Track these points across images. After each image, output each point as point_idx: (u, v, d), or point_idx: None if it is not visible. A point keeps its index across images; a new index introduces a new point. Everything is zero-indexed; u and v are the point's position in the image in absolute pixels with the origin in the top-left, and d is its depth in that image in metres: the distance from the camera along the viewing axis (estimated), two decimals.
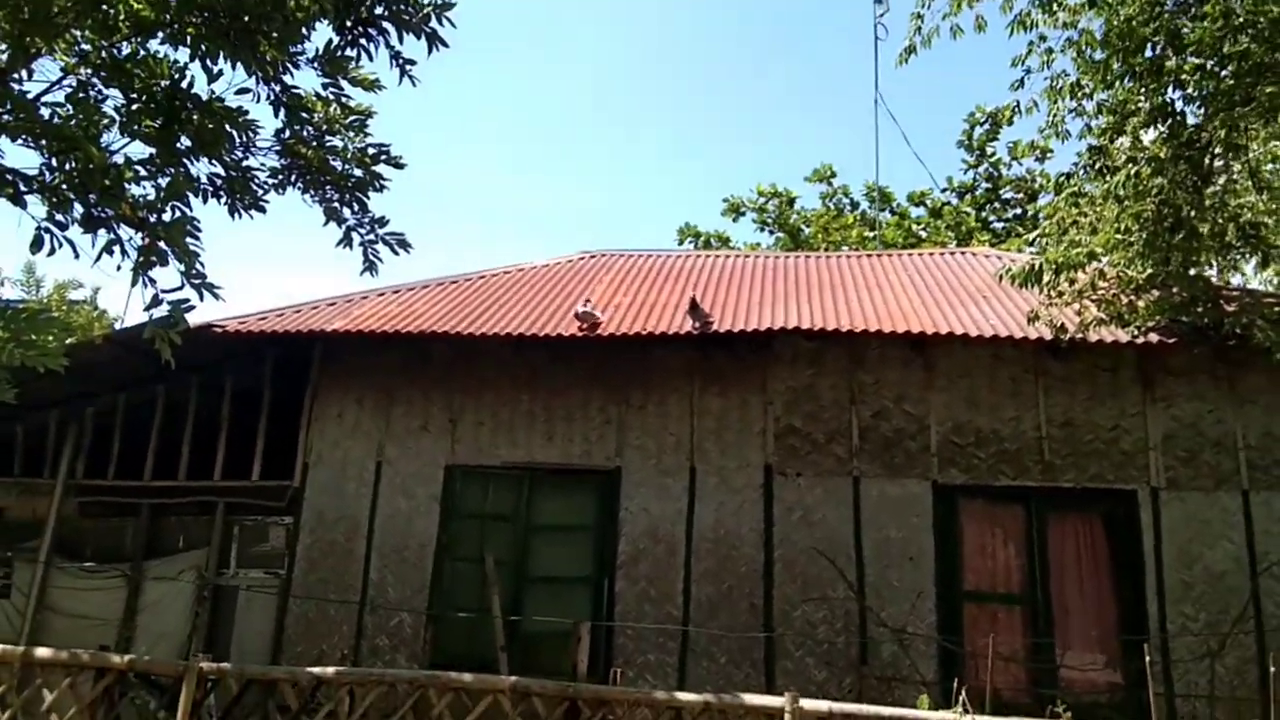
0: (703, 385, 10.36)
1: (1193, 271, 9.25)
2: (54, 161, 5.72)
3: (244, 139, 7.01)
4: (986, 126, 27.46)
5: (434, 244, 52.86)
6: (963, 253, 13.66)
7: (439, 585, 10.15)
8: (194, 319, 10.74)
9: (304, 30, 5.66)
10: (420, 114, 51.31)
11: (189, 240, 5.28)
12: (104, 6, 5.70)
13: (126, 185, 5.38)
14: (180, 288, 5.34)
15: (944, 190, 30.09)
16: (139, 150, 6.54)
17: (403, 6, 5.64)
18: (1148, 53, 8.64)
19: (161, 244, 5.21)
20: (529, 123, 53.30)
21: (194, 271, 5.41)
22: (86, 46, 5.90)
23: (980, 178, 29.49)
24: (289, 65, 6.34)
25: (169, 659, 8.86)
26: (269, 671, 6.66)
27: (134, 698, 6.56)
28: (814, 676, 9.39)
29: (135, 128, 6.29)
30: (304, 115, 6.61)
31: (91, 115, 6.24)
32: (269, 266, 48.26)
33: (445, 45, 5.91)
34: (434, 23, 5.78)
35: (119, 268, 5.08)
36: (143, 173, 6.42)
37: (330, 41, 6.00)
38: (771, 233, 30.09)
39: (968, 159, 29.07)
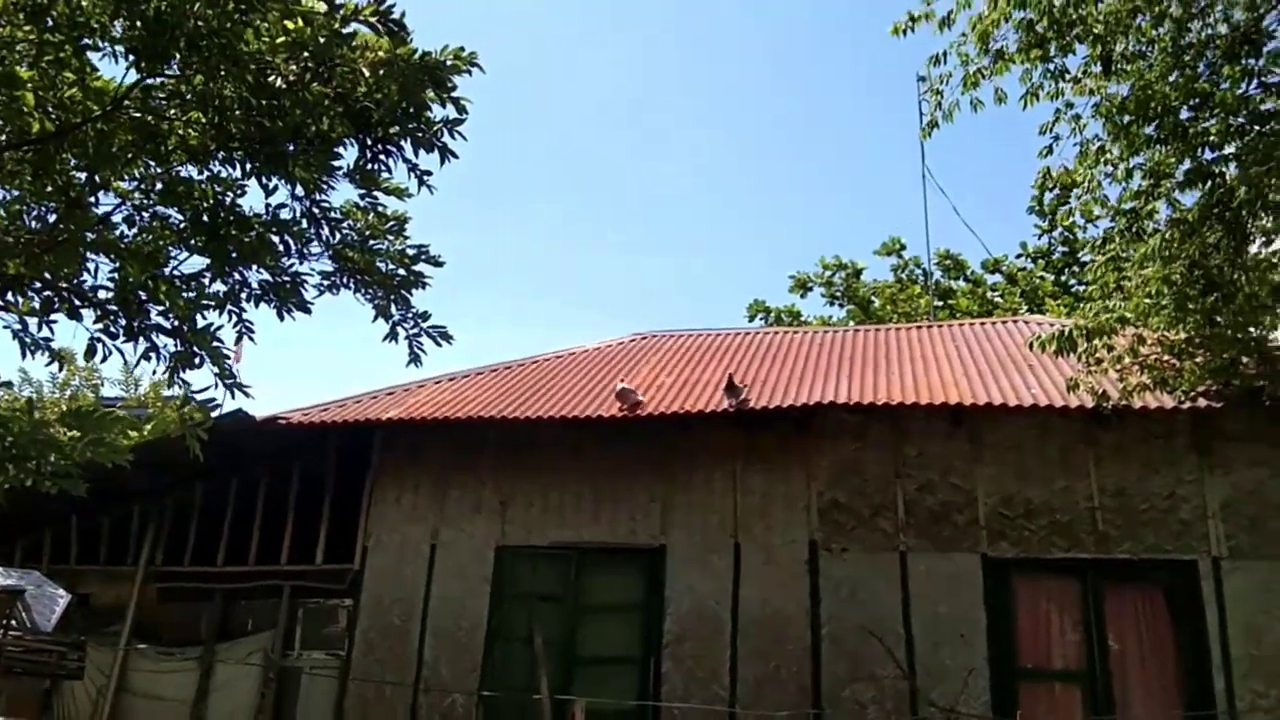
0: (746, 462, 10.45)
1: (1242, 334, 9.04)
2: (118, 276, 6.30)
3: (298, 247, 7.58)
4: (1056, 191, 27.11)
5: (506, 319, 54.17)
6: (1013, 321, 13.51)
7: (490, 666, 10.34)
8: (262, 412, 11.49)
9: (329, 152, 6.15)
10: (513, 191, 53.19)
11: (216, 344, 5.75)
12: (157, 139, 6.29)
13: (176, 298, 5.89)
14: (211, 388, 5.78)
15: (1018, 255, 29.77)
16: (196, 263, 7.18)
17: (414, 125, 6.10)
18: (1178, 114, 8.64)
19: (193, 349, 5.69)
20: (617, 204, 54.66)
21: (226, 372, 5.87)
22: (139, 174, 6.51)
23: (1055, 241, 29.09)
24: (324, 182, 6.85)
25: None
26: None
27: None
28: None
29: (190, 243, 6.87)
30: (338, 224, 7.08)
31: (160, 234, 6.89)
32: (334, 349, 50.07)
33: (456, 157, 6.34)
34: (446, 137, 6.24)
35: (154, 372, 5.52)
36: (203, 284, 7.05)
37: (358, 159, 6.49)
38: (841, 305, 30.05)
39: (1040, 224, 28.73)
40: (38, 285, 6.11)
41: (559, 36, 50.34)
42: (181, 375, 5.80)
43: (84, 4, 5.52)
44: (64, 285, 6.07)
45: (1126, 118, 8.47)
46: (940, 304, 27.59)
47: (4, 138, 6.03)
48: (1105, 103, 8.75)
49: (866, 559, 9.86)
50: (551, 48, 50.74)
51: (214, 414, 6.00)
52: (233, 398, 5.98)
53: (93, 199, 6.89)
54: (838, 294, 29.16)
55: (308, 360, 50.13)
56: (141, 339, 5.78)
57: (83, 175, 6.84)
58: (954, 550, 9.73)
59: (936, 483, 9.98)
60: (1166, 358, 8.92)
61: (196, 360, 5.79)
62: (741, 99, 51.19)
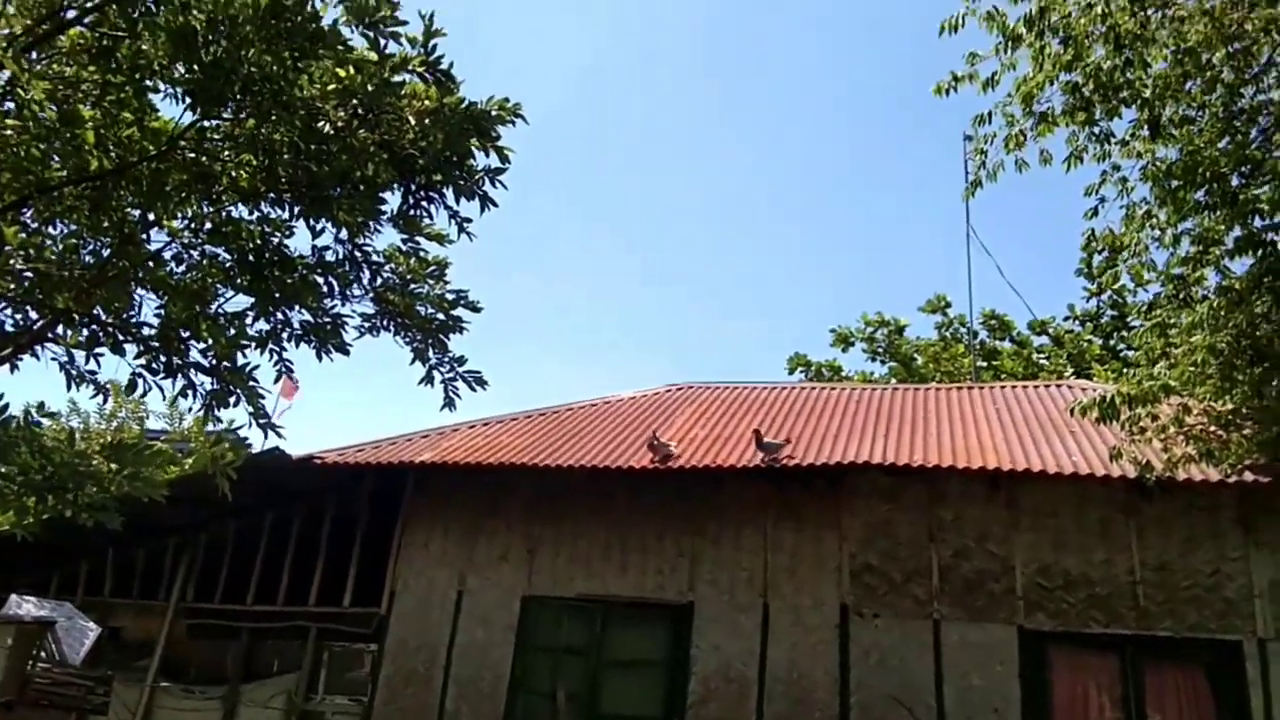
0: (777, 519, 10.32)
1: None
2: (163, 313, 6.45)
3: (340, 289, 7.71)
4: (1104, 254, 26.81)
5: (547, 365, 54.43)
6: (1056, 385, 13.30)
7: (512, 718, 10.19)
8: (299, 450, 11.60)
9: (374, 197, 6.28)
10: (555, 241, 53.82)
11: (252, 384, 5.84)
12: (209, 180, 6.47)
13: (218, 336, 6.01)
14: (243, 426, 5.86)
15: (1066, 318, 29.44)
16: (241, 301, 7.34)
17: (458, 173, 6.22)
18: (1228, 181, 8.54)
19: (230, 387, 5.78)
20: (661, 254, 55.06)
21: (260, 411, 5.95)
22: (190, 213, 6.69)
23: (1104, 305, 28.72)
24: (369, 226, 6.98)
25: None
26: None
27: None
28: None
29: (236, 281, 7.02)
30: (379, 267, 7.20)
31: (207, 273, 7.06)
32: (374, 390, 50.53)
33: (495, 205, 6.44)
34: (487, 185, 6.35)
35: (190, 409, 5.61)
36: (244, 323, 7.19)
37: (401, 204, 6.62)
38: (883, 362, 29.82)
39: (1089, 287, 28.42)
40: (85, 320, 6.26)
41: (604, 91, 51.19)
42: (217, 412, 5.87)
43: (144, 47, 5.71)
44: (109, 320, 6.21)
45: (1174, 182, 8.38)
46: (984, 364, 27.27)
47: (65, 174, 6.22)
48: (1153, 166, 8.68)
49: (898, 625, 9.64)
50: (596, 99, 51.60)
51: (247, 452, 6.06)
52: (265, 437, 6.04)
53: (144, 236, 7.09)
54: (879, 350, 28.95)
55: (347, 401, 50.64)
56: (180, 375, 5.87)
57: (136, 213, 7.05)
58: (989, 620, 9.48)
59: (972, 549, 9.76)
60: (1212, 429, 8.69)
61: (232, 399, 5.89)
62: (788, 152, 51.55)
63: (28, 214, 7.31)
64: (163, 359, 5.91)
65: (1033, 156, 9.07)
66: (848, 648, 9.65)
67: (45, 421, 7.05)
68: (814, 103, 49.13)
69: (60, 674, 9.21)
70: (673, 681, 9.94)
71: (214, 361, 5.85)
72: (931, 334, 29.19)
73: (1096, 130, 8.33)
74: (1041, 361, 27.39)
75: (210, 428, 6.34)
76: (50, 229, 7.34)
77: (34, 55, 6.54)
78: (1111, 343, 28.04)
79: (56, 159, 5.86)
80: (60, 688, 9.09)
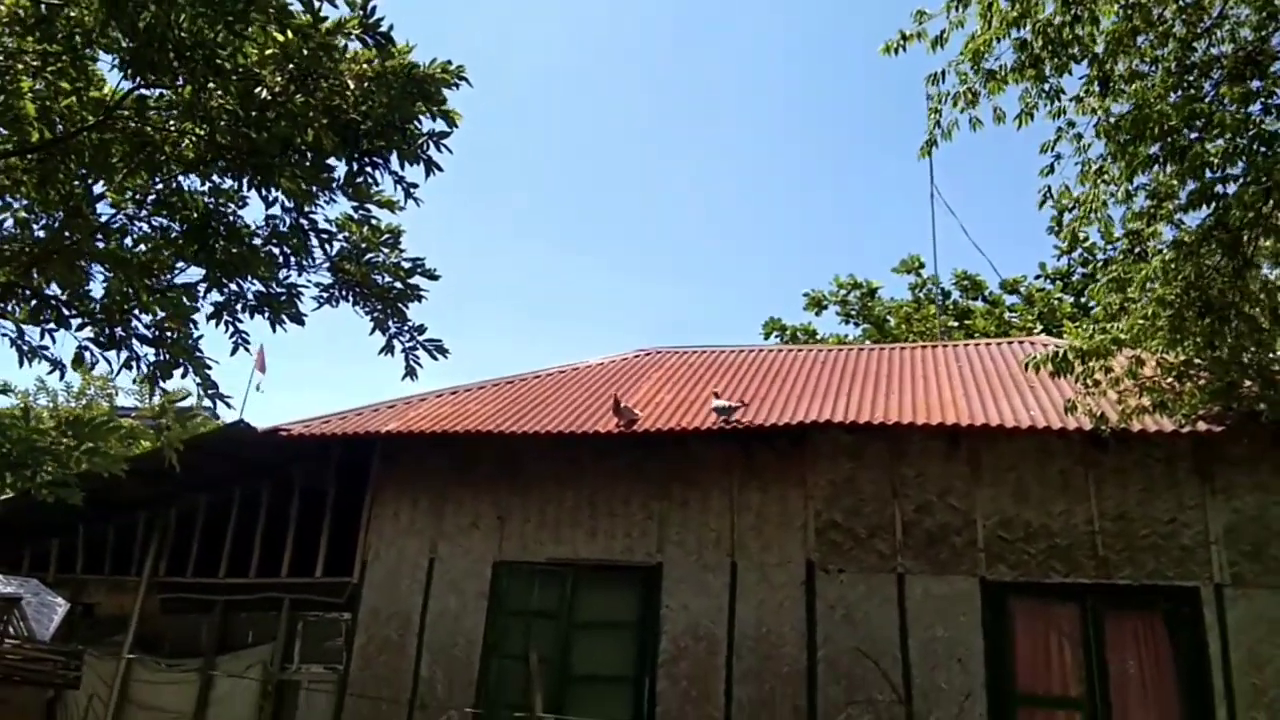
0: (743, 480, 10.40)
1: (1245, 356, 8.91)
2: (109, 286, 6.40)
3: (296, 260, 7.66)
4: (1075, 212, 26.94)
5: (516, 334, 54.37)
6: (1017, 341, 13.40)
7: (485, 683, 10.30)
8: (264, 423, 11.57)
9: (318, 164, 6.22)
10: (527, 208, 53.54)
11: (202, 355, 5.83)
12: (150, 149, 6.40)
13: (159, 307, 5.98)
14: (186, 396, 5.86)
15: (1037, 276, 29.62)
16: (194, 274, 7.28)
17: (399, 138, 6.17)
18: (1179, 135, 8.57)
19: (172, 359, 5.76)
20: (631, 223, 54.89)
21: (208, 382, 5.94)
22: (136, 184, 6.61)
23: (1075, 263, 28.90)
24: (316, 194, 6.91)
25: None
26: None
27: None
28: None
29: (185, 253, 6.96)
30: (330, 236, 7.15)
31: (157, 244, 6.99)
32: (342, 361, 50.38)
33: (440, 170, 6.41)
34: (432, 150, 6.31)
35: (133, 380, 5.60)
36: (196, 293, 7.14)
37: (346, 171, 6.56)
38: (857, 324, 29.95)
39: (1059, 245, 28.57)
40: (27, 294, 6.20)
41: (573, 60, 50.79)
42: (161, 384, 5.86)
43: (75, 14, 5.62)
44: (50, 294, 6.16)
45: (1124, 137, 8.41)
46: (956, 324, 27.42)
47: (9, 146, 6.14)
48: (1105, 122, 8.70)
49: (863, 580, 9.77)
50: (565, 69, 51.18)
51: (199, 423, 6.05)
52: (214, 407, 6.03)
53: (91, 209, 7.00)
54: (852, 313, 29.05)
55: (316, 372, 50.47)
56: (123, 348, 5.84)
57: (81, 186, 6.96)
58: (952, 573, 9.62)
59: (934, 504, 9.88)
60: (1166, 380, 8.80)
61: (179, 371, 5.86)
62: (756, 118, 51.35)
63: None
64: (106, 331, 5.88)
65: (986, 115, 9.07)
66: (814, 603, 9.78)
67: (1, 398, 7.00)
68: (781, 67, 48.89)
69: (30, 649, 9.24)
70: (643, 641, 10.06)
71: (155, 333, 5.81)
72: (906, 295, 29.31)
73: (1047, 87, 8.31)
74: (1014, 320, 27.57)
75: (155, 400, 6.31)
76: None
77: None
78: (1083, 299, 28.24)
79: None
80: (30, 663, 9.12)
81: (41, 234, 7.09)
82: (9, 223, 7.43)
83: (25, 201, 7.22)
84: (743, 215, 53.05)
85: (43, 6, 6.08)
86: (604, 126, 52.47)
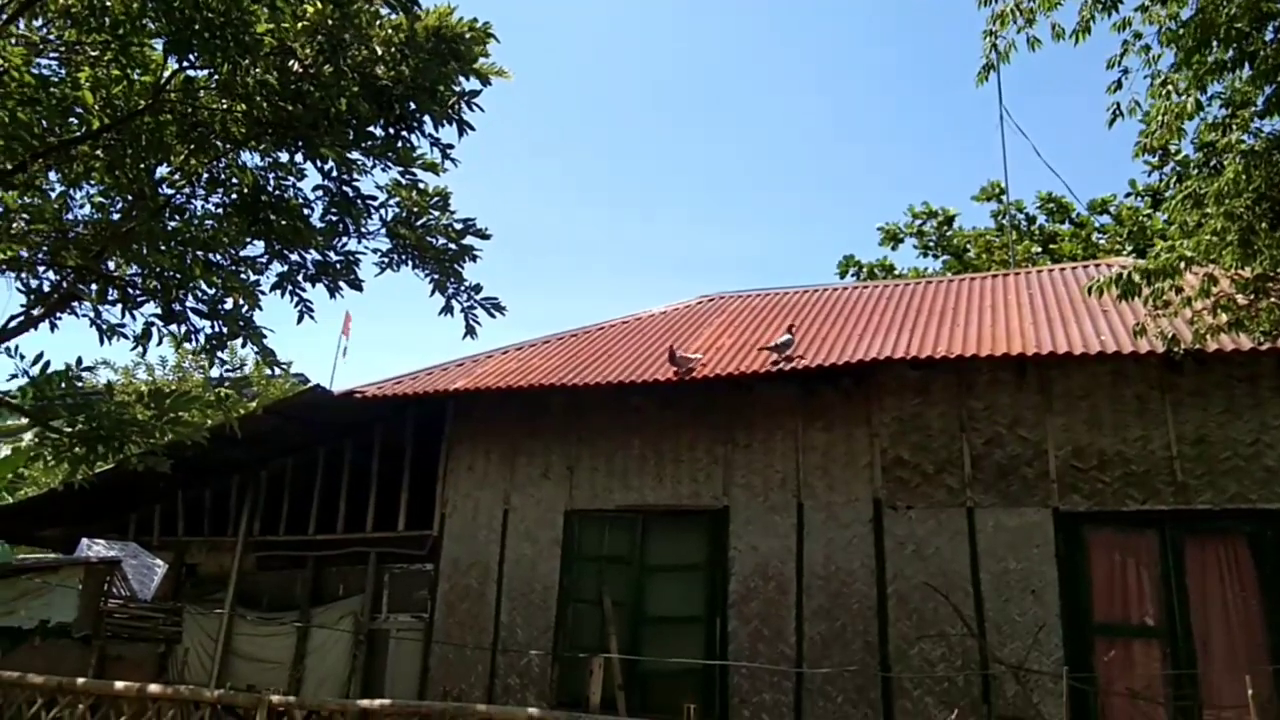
0: (807, 420, 10.38)
1: None
2: (164, 263, 6.70)
3: (355, 228, 7.88)
4: (1155, 125, 25.63)
5: (616, 296, 54.64)
6: (1089, 265, 12.93)
7: (563, 626, 10.61)
8: (340, 386, 11.98)
9: (358, 131, 6.36)
10: (601, 162, 53.47)
11: (258, 325, 6.09)
12: (199, 128, 6.63)
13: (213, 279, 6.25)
14: (240, 367, 6.12)
15: (1127, 194, 28.40)
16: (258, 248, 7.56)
17: (429, 100, 6.25)
18: (1248, 38, 8.09)
19: (224, 330, 6.03)
20: (707, 173, 54.34)
21: (265, 351, 6.19)
22: (191, 164, 6.87)
23: (1169, 177, 27.57)
24: (359, 162, 7.07)
25: (330, 697, 9.85)
26: (324, 703, 7.34)
27: None
28: (934, 716, 9.11)
29: (240, 227, 7.22)
30: (378, 203, 7.32)
31: (218, 220, 7.28)
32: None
33: (473, 129, 6.49)
34: (465, 110, 6.38)
35: (192, 352, 5.87)
36: (260, 265, 7.43)
37: (385, 135, 6.69)
38: (936, 256, 29.20)
39: (1150, 160, 27.26)
40: (94, 276, 6.54)
41: (638, 7, 50.02)
42: (220, 354, 6.13)
43: (114, 4, 5.82)
44: (116, 274, 6.48)
45: (1190, 43, 7.96)
46: (1041, 250, 26.52)
47: (61, 136, 6.43)
48: (1168, 30, 8.25)
49: (932, 516, 9.70)
50: (629, 19, 50.48)
51: (247, 391, 6.33)
52: (272, 374, 6.31)
53: (154, 191, 7.30)
54: (930, 244, 28.29)
55: (391, 335, 51.72)
56: (181, 322, 6.13)
57: (145, 169, 7.25)
58: (1023, 505, 9.47)
59: (1004, 436, 9.71)
60: (1242, 297, 8.41)
61: (238, 341, 6.13)
62: (821, 59, 49.94)
63: (55, 178, 7.60)
64: (167, 307, 6.17)
65: (1045, 33, 8.70)
66: (882, 541, 9.76)
67: (87, 375, 7.42)
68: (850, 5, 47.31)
69: (135, 608, 9.88)
70: (713, 582, 10.20)
71: (209, 307, 6.08)
72: (987, 223, 28.43)
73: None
74: (1102, 242, 26.54)
75: (215, 370, 6.61)
76: (78, 191, 7.64)
77: (21, 23, 6.72)
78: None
79: (44, 122, 6.05)
80: (135, 621, 9.76)
81: (116, 217, 7.44)
82: (86, 208, 7.82)
83: (100, 187, 7.57)
84: (814, 153, 51.98)
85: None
86: (667, 75, 51.81)
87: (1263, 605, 8.66)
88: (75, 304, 7.45)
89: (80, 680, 7.64)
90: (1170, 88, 8.35)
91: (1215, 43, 7.84)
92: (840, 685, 9.47)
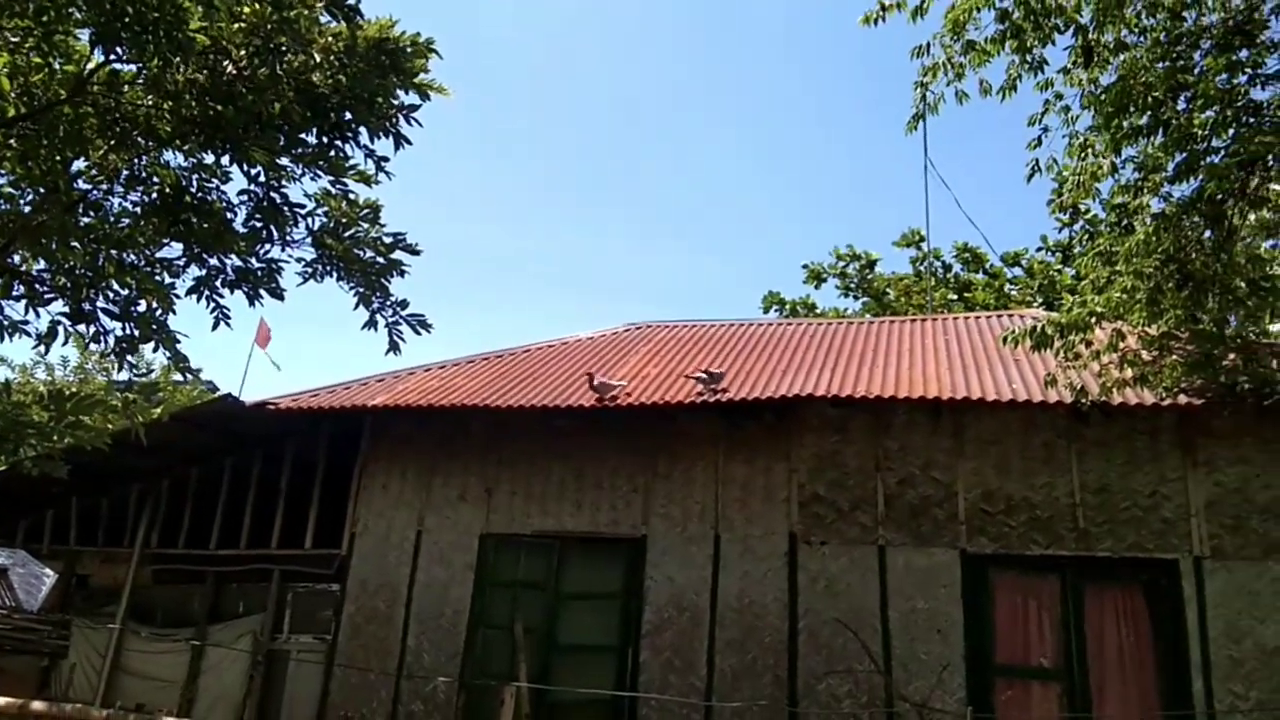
0: (728, 452, 10.45)
1: (1226, 329, 8.90)
2: (76, 260, 6.42)
3: (279, 235, 7.67)
4: (1070, 184, 26.76)
5: (514, 308, 54.40)
6: (1004, 315, 13.38)
7: (471, 652, 10.41)
8: (252, 397, 11.64)
9: (289, 137, 6.22)
10: (531, 184, 53.38)
11: (172, 329, 5.87)
12: (121, 124, 6.40)
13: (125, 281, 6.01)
14: (150, 371, 5.89)
15: (1039, 249, 29.49)
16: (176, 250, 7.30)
17: (367, 111, 6.16)
18: (1164, 106, 8.50)
19: (136, 333, 5.80)
20: (631, 199, 54.68)
21: (177, 356, 5.97)
22: (110, 159, 6.62)
23: (1077, 235, 28.73)
24: (289, 169, 6.91)
25: None
26: None
27: None
28: None
29: (158, 227, 6.97)
30: (306, 211, 7.15)
31: (135, 219, 7.02)
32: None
33: (409, 143, 6.41)
34: (402, 124, 6.30)
35: (100, 354, 5.64)
36: (176, 268, 7.17)
37: (318, 144, 6.55)
38: (856, 297, 29.86)
39: (1060, 217, 28.40)
40: (1, 269, 6.24)
41: (578, 39, 50.37)
42: (130, 358, 5.90)
43: None
44: (23, 269, 6.19)
45: (1109, 109, 8.34)
46: (956, 297, 27.34)
47: None
48: (1090, 93, 8.63)
49: (845, 552, 9.83)
50: (569, 49, 50.78)
51: (154, 398, 6.10)
52: (184, 380, 6.09)
53: (68, 185, 7.01)
54: (851, 285, 28.94)
55: (315, 348, 50.65)
56: (92, 322, 5.88)
57: (60, 161, 6.96)
58: (933, 545, 9.67)
59: (917, 476, 9.92)
60: (1147, 353, 8.79)
61: (149, 345, 5.91)
62: (755, 97, 50.97)
63: None
64: (76, 306, 5.92)
65: (973, 87, 9.00)
66: (796, 575, 9.84)
67: None
68: (783, 38, 48.45)
69: (20, 619, 9.36)
70: (628, 612, 10.14)
71: (120, 308, 5.84)
72: (907, 269, 29.21)
73: (1031, 58, 8.25)
74: (1014, 293, 27.49)
75: (123, 375, 6.36)
76: None
77: None
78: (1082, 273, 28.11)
79: None
80: (19, 632, 9.25)
81: (28, 210, 7.11)
82: None
83: (10, 177, 7.23)
84: (743, 188, 52.84)
85: None
86: (602, 98, 52.19)
87: (1155, 651, 8.98)
88: None
89: None
90: (1090, 150, 8.72)
91: (1132, 108, 8.23)
92: (748, 719, 9.47)
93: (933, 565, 9.58)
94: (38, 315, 6.83)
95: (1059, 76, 8.93)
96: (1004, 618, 9.41)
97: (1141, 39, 8.59)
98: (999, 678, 9.19)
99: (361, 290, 8.68)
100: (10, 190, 7.24)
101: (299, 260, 8.14)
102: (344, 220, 8.02)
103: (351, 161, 7.17)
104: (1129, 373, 8.86)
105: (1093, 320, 8.13)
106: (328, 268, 8.38)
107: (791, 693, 9.46)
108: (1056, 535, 9.43)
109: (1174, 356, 8.70)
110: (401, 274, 8.58)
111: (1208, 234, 8.28)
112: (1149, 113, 8.55)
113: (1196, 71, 8.45)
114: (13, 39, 6.46)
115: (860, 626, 9.48)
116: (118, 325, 5.96)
